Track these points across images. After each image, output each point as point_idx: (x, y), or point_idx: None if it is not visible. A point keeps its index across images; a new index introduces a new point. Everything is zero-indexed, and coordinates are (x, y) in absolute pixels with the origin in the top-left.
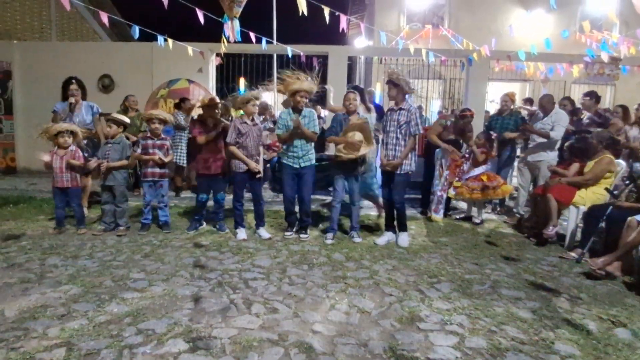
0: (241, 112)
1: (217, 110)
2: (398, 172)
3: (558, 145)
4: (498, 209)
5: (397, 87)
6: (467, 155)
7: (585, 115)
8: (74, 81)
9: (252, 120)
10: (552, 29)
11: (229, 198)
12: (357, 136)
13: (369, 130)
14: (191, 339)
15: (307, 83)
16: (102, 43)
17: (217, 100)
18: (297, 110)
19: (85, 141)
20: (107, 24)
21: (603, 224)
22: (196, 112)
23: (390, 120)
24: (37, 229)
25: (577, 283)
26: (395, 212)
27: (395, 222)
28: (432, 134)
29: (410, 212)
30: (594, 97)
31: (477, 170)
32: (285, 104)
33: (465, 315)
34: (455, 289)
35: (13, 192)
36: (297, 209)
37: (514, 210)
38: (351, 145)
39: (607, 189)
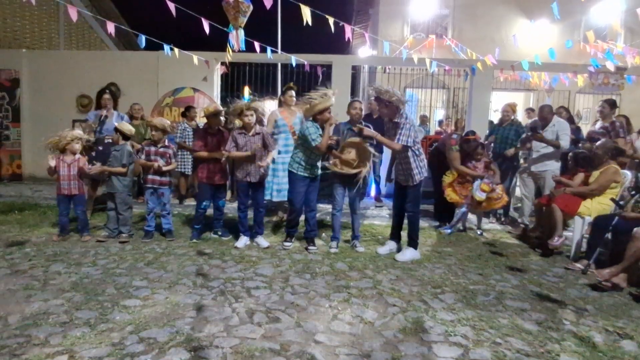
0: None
1: (222, 118)
2: (410, 184)
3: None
4: (502, 219)
5: (388, 106)
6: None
7: (598, 124)
8: (107, 92)
9: (253, 129)
10: (556, 39)
11: (232, 206)
12: (353, 154)
13: (367, 150)
14: (192, 348)
15: (331, 99)
16: (109, 52)
17: (221, 108)
18: (322, 126)
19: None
20: (113, 34)
21: (609, 235)
22: (202, 121)
23: (388, 136)
24: (41, 236)
25: (583, 294)
26: (407, 222)
27: (401, 233)
28: (457, 164)
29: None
30: (613, 106)
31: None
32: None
33: (470, 326)
34: (459, 299)
35: (18, 199)
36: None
37: (519, 220)
38: (345, 162)
39: (612, 199)
